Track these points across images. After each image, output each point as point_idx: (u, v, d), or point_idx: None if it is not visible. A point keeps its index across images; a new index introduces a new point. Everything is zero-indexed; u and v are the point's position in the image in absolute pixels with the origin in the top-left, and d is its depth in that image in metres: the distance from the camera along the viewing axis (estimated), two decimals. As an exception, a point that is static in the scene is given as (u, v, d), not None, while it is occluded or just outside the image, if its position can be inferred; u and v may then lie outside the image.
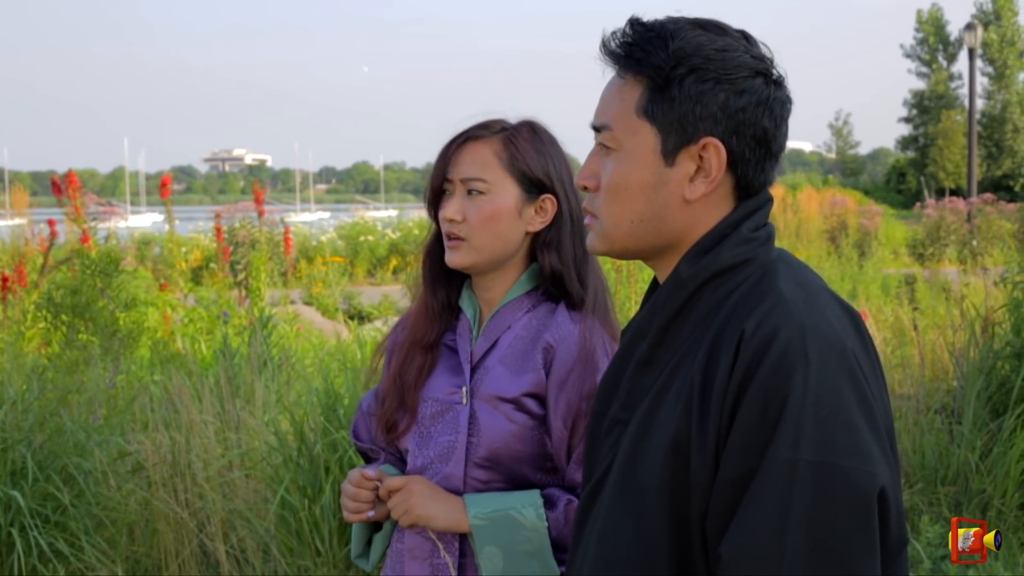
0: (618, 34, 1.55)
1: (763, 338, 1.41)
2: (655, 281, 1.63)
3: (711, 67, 1.49)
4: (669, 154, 1.52)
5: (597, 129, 1.58)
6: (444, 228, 2.17)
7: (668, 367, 1.50)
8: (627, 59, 1.54)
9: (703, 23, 1.54)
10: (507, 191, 2.16)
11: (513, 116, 2.24)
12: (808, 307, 1.45)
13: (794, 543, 1.35)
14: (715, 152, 1.50)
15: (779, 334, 1.41)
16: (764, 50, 1.55)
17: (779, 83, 1.54)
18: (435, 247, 2.25)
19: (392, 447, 2.27)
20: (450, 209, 2.15)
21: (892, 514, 1.40)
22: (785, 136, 1.56)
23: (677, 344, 1.51)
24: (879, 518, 1.38)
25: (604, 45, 1.56)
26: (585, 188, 1.60)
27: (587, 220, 1.61)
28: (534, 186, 2.18)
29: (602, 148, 1.58)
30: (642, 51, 1.52)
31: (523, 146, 2.18)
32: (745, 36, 1.55)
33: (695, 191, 1.52)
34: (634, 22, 1.55)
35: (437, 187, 2.20)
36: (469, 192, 2.15)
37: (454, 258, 2.17)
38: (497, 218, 2.15)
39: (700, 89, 1.49)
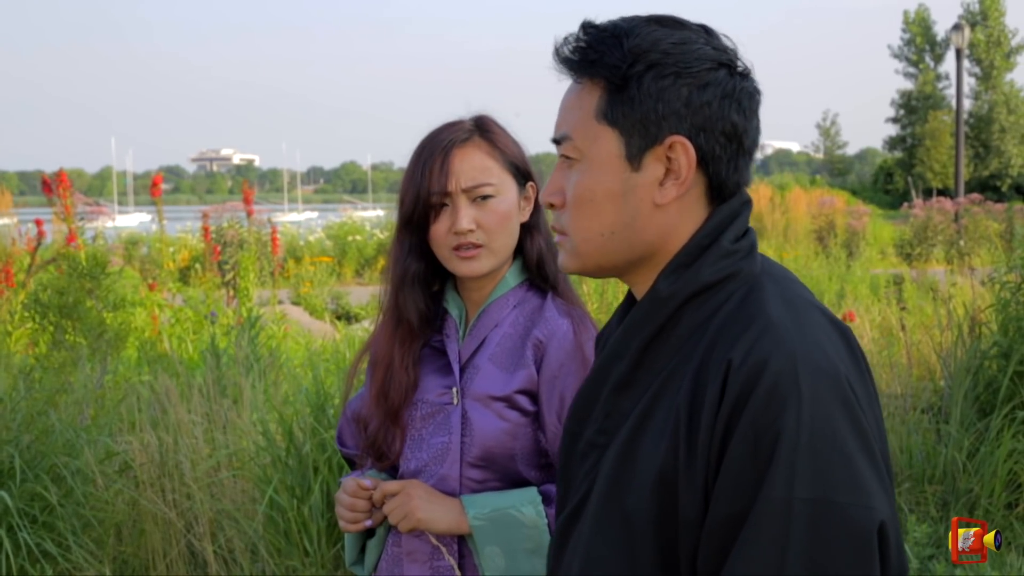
0: (571, 39, 1.48)
1: (752, 369, 1.34)
2: (630, 296, 1.55)
3: (670, 61, 1.42)
4: (634, 158, 1.44)
5: (557, 142, 1.50)
6: (453, 241, 2.12)
7: (649, 390, 1.43)
8: (581, 63, 1.46)
9: (659, 19, 1.47)
10: (510, 188, 2.16)
11: (462, 114, 2.22)
12: (798, 331, 1.37)
13: None
14: (683, 151, 1.42)
15: (769, 364, 1.33)
16: (726, 42, 1.47)
17: (745, 75, 1.47)
18: (415, 264, 2.21)
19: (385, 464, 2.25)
20: (464, 220, 2.11)
21: (892, 548, 1.34)
22: (757, 130, 1.49)
23: (658, 366, 1.44)
24: (879, 553, 1.32)
25: (557, 52, 1.48)
26: (552, 205, 1.51)
27: (557, 239, 1.53)
28: (522, 176, 2.18)
29: (565, 160, 1.50)
30: (596, 52, 1.45)
31: (503, 140, 2.18)
32: (705, 29, 1.47)
33: (666, 195, 1.44)
34: (586, 25, 1.48)
35: (434, 203, 2.15)
36: (475, 199, 2.13)
37: (474, 267, 2.13)
38: (509, 217, 2.15)
39: (660, 86, 1.41)
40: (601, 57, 1.44)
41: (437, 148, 2.14)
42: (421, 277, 2.20)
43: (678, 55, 1.42)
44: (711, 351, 1.38)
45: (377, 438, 2.21)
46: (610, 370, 1.48)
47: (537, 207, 2.20)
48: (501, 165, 2.15)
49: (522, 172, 2.18)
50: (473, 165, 2.13)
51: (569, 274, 1.59)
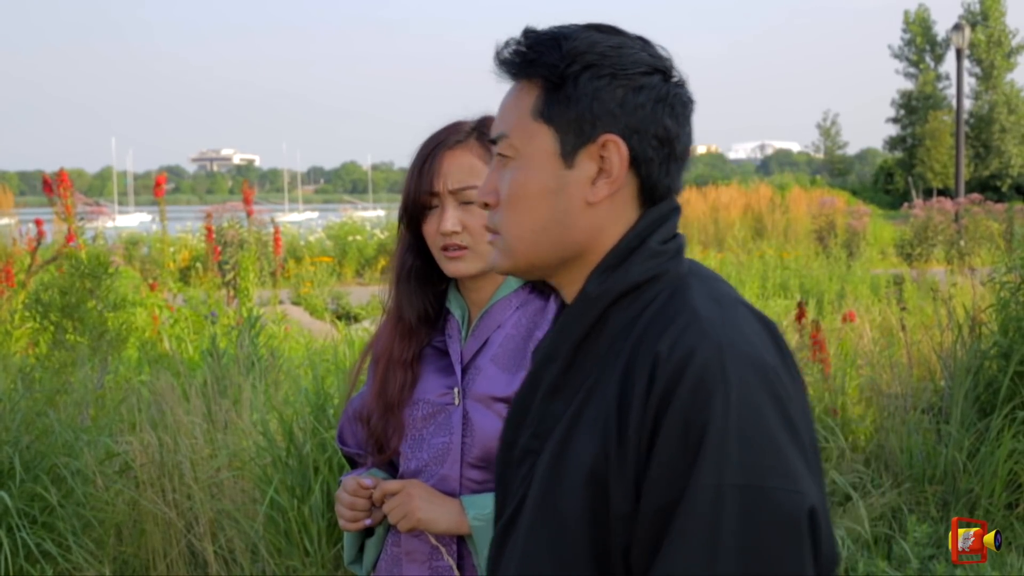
0: (511, 43, 1.51)
1: (679, 360, 1.35)
2: (563, 304, 1.57)
3: (606, 63, 1.45)
4: (568, 155, 1.46)
5: (494, 142, 1.53)
6: (440, 241, 2.14)
7: (580, 392, 1.44)
8: (521, 64, 1.49)
9: (597, 26, 1.51)
10: None
11: (467, 114, 2.23)
12: (724, 324, 1.40)
13: (725, 571, 1.31)
14: (616, 150, 1.45)
15: (695, 355, 1.35)
16: (663, 52, 1.50)
17: (679, 83, 1.50)
18: (412, 260, 2.22)
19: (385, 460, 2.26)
20: (448, 222, 2.12)
21: (823, 533, 1.36)
22: (689, 138, 1.51)
23: (588, 367, 1.45)
24: (810, 538, 1.34)
25: (497, 55, 1.51)
26: (486, 205, 1.53)
27: (489, 238, 1.55)
28: None
29: (500, 159, 1.52)
30: (535, 53, 1.48)
31: None
32: (642, 39, 1.51)
33: (598, 193, 1.46)
34: (527, 30, 1.51)
35: (425, 203, 2.16)
36: (462, 202, 2.14)
37: (460, 268, 2.14)
38: None
39: (596, 86, 1.45)
40: (539, 57, 1.47)
41: (430, 148, 2.16)
42: (419, 274, 2.22)
43: (615, 58, 1.46)
44: (639, 347, 1.40)
45: (377, 430, 2.22)
46: (543, 375, 1.50)
47: None
48: None
49: None
50: (462, 167, 2.14)
51: (501, 274, 1.61)
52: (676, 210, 1.52)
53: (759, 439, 1.34)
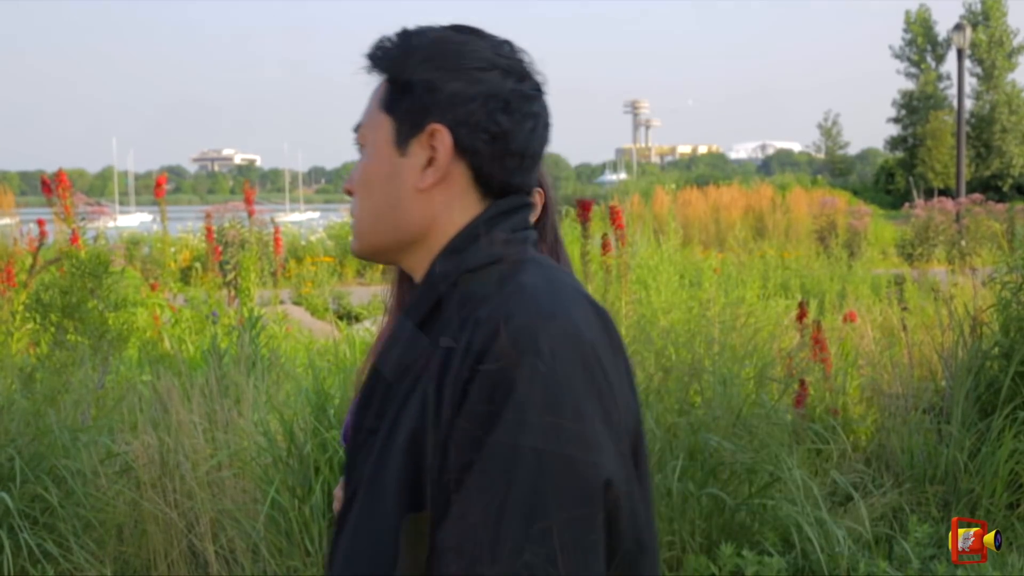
0: (377, 41, 1.59)
1: (495, 324, 1.40)
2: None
3: (442, 58, 1.52)
4: (401, 144, 1.54)
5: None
6: None
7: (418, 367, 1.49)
8: (373, 58, 1.58)
9: (458, 27, 1.58)
10: None
11: None
12: (549, 297, 1.45)
13: (507, 532, 1.33)
14: (440, 139, 1.51)
15: (512, 320, 1.40)
16: (523, 56, 1.56)
17: (536, 88, 1.56)
18: None
19: None
20: None
21: (623, 513, 1.39)
22: (532, 139, 1.55)
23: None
24: (609, 514, 1.37)
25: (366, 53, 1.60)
26: (348, 192, 1.61)
27: (351, 223, 1.62)
28: None
29: (359, 149, 1.61)
30: (382, 49, 1.57)
31: None
32: (507, 42, 1.57)
33: (425, 180, 1.52)
34: (397, 32, 1.59)
35: None
36: None
37: None
38: None
39: (431, 77, 1.51)
40: (387, 52, 1.56)
41: None
42: None
43: (452, 53, 1.53)
44: (467, 317, 1.45)
45: None
46: (389, 355, 1.55)
47: (544, 213, 2.20)
48: None
49: None
50: None
51: (356, 257, 1.66)
52: (527, 206, 1.58)
53: (563, 407, 1.37)
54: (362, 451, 1.55)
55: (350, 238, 1.63)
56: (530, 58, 1.57)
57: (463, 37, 1.56)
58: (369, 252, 1.61)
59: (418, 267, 1.57)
